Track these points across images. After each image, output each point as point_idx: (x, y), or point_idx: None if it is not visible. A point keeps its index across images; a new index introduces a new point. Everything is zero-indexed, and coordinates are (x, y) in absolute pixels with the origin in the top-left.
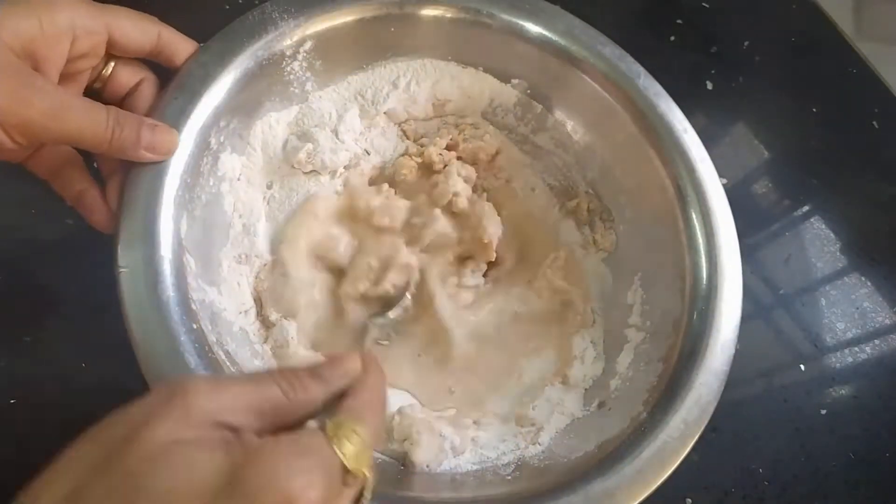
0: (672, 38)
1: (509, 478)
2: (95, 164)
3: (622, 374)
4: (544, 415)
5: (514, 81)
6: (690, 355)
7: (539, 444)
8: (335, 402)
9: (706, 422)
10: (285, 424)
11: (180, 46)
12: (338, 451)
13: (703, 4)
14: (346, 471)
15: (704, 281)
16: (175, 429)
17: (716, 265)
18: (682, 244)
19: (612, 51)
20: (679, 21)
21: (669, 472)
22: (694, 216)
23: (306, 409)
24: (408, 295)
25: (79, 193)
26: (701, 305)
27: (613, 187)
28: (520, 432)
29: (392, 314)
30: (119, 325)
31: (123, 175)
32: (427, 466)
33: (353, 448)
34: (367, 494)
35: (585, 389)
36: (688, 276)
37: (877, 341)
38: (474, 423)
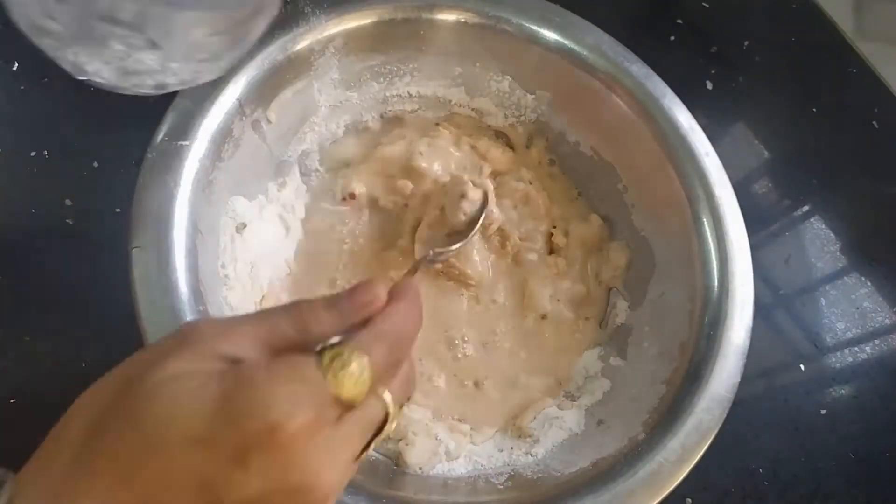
0: (672, 38)
1: (501, 487)
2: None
3: (624, 393)
4: (542, 428)
5: (539, 93)
6: (694, 379)
7: (534, 455)
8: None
9: (705, 447)
10: None
11: None
12: (329, 380)
13: (703, 4)
14: (342, 402)
15: (714, 306)
16: (179, 365)
17: (727, 291)
18: (696, 268)
19: (639, 69)
20: (679, 21)
21: (663, 495)
22: (710, 241)
23: (320, 341)
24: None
25: None
26: (709, 331)
27: (629, 206)
28: (516, 443)
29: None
30: (119, 325)
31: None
32: (420, 468)
33: (351, 377)
34: (390, 426)
35: (587, 406)
36: (698, 301)
37: (877, 341)
38: (472, 429)
